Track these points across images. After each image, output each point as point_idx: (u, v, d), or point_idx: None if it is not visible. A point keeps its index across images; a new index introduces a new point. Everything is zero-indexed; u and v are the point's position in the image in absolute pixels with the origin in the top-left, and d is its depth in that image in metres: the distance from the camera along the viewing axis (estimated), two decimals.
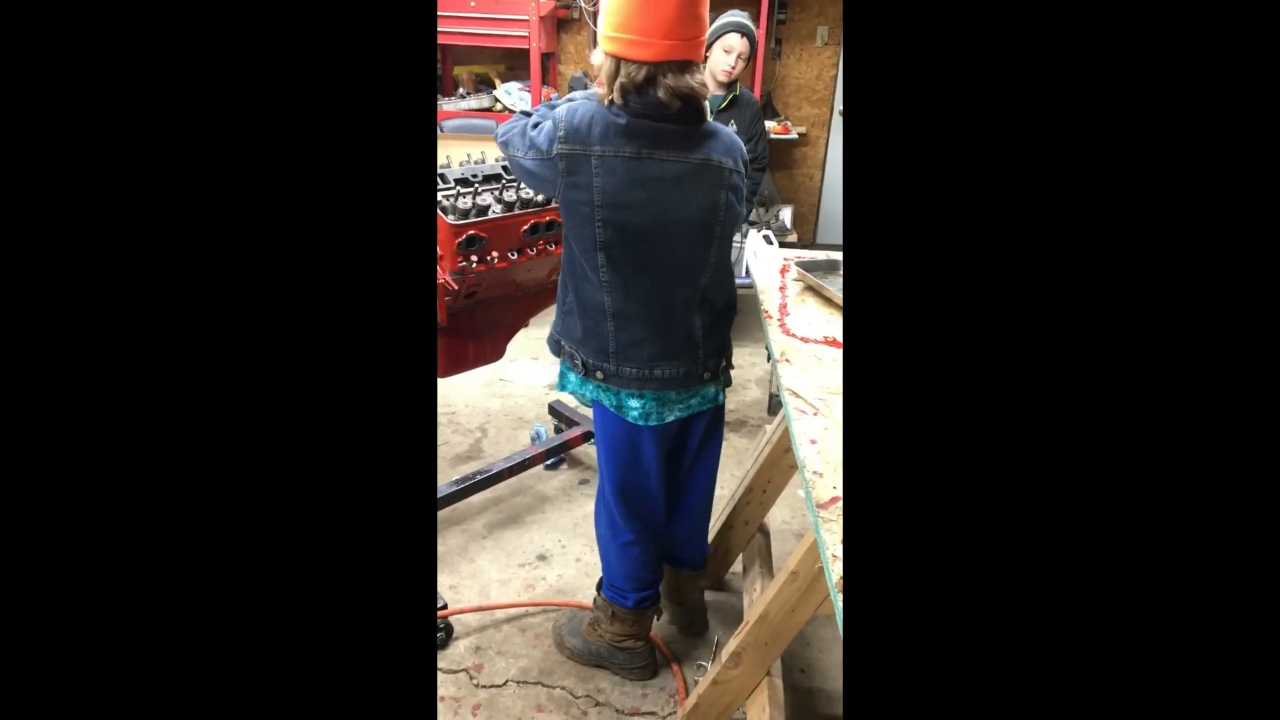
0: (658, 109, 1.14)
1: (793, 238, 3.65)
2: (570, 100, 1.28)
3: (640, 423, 1.34)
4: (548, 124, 1.19)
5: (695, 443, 1.47)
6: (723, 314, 1.33)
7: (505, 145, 1.28)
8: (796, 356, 1.15)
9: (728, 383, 1.42)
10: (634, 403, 1.32)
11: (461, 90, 3.80)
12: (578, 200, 1.18)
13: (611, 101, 1.17)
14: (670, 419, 1.35)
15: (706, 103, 1.20)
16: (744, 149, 1.25)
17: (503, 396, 2.70)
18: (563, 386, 1.41)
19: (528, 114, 1.29)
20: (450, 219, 1.49)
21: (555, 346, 1.38)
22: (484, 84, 3.86)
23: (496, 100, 3.72)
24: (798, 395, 1.07)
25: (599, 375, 1.29)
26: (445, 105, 3.67)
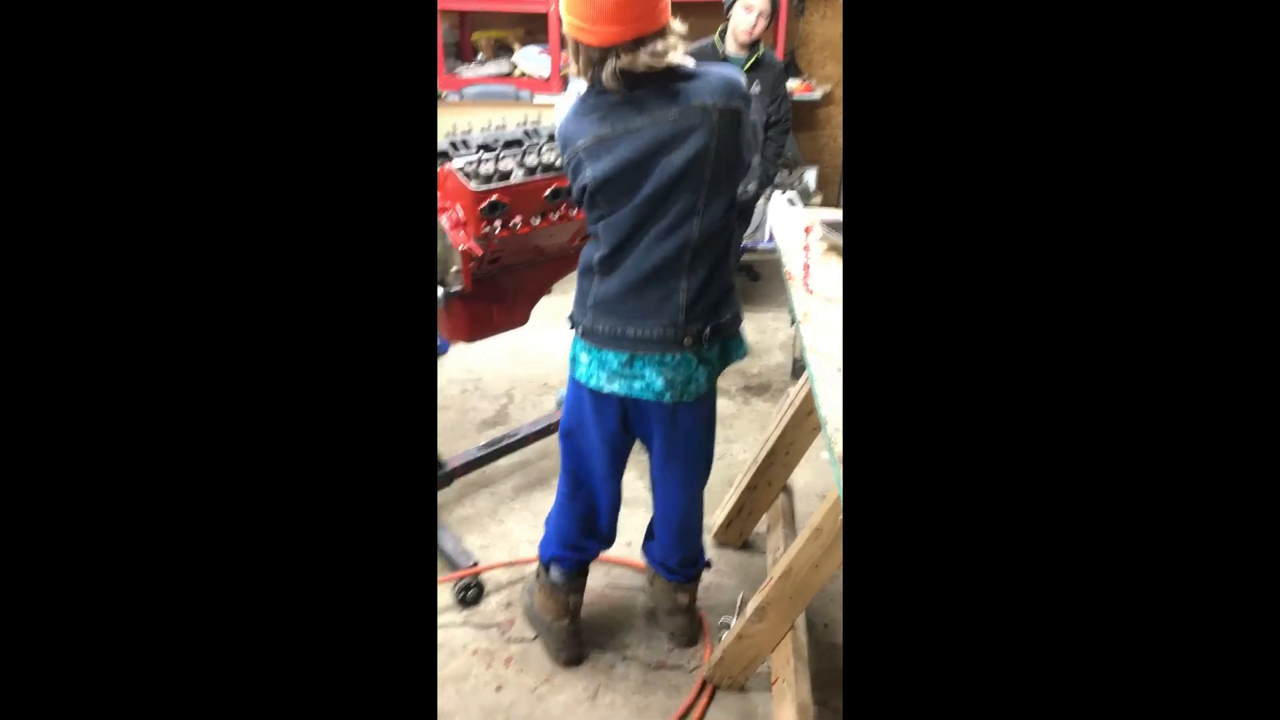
0: (618, 84, 1.15)
1: (818, 199, 3.60)
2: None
3: (584, 381, 1.31)
4: (561, 157, 1.26)
5: (659, 443, 1.39)
6: (717, 272, 1.26)
7: None
8: (819, 316, 1.15)
9: (722, 360, 1.34)
10: (583, 356, 1.31)
11: (480, 56, 3.77)
12: (580, 189, 1.22)
13: (586, 85, 1.20)
14: (611, 390, 1.28)
15: (677, 58, 1.17)
16: (741, 83, 1.20)
17: (528, 363, 2.73)
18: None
19: None
20: (473, 185, 1.49)
21: None
22: (502, 49, 3.82)
23: (515, 65, 3.69)
24: (820, 354, 1.08)
25: (579, 330, 1.31)
26: (464, 72, 3.65)
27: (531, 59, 3.64)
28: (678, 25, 1.18)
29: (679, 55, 1.17)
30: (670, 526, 1.50)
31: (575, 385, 1.36)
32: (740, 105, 1.19)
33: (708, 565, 1.61)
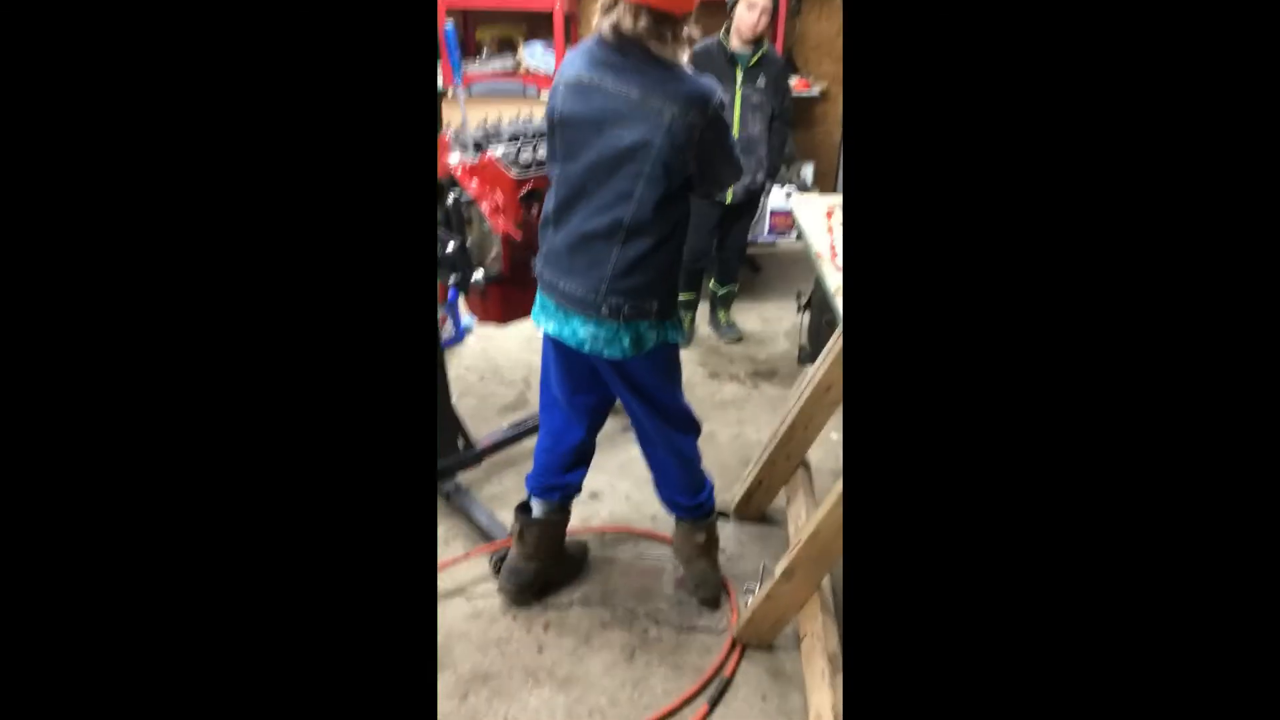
0: (612, 40, 1.23)
1: (815, 193, 3.70)
2: None
3: (533, 318, 1.45)
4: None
5: (620, 397, 1.49)
6: (649, 260, 1.30)
7: None
8: None
9: (657, 331, 1.38)
10: (538, 297, 1.43)
11: (484, 52, 3.83)
12: (548, 111, 1.32)
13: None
14: (547, 330, 1.41)
15: (666, 53, 1.22)
16: (710, 100, 1.23)
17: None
18: None
19: None
20: (513, 172, 1.57)
21: None
22: (506, 46, 3.88)
23: (519, 62, 3.75)
24: None
25: (538, 275, 1.42)
26: (469, 68, 3.70)
27: (537, 56, 3.70)
28: (690, 32, 1.24)
29: (675, 54, 1.23)
30: (658, 471, 1.62)
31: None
32: (697, 120, 1.21)
33: (723, 516, 1.75)
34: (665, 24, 1.20)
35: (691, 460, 1.60)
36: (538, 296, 1.44)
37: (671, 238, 1.33)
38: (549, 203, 1.37)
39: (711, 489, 1.66)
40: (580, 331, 1.36)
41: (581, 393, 1.53)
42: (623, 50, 1.23)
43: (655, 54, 1.22)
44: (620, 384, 1.46)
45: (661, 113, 1.21)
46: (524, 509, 1.64)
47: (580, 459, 1.61)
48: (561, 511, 1.66)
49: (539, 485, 1.62)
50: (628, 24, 1.20)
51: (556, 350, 1.48)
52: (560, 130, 1.30)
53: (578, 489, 1.65)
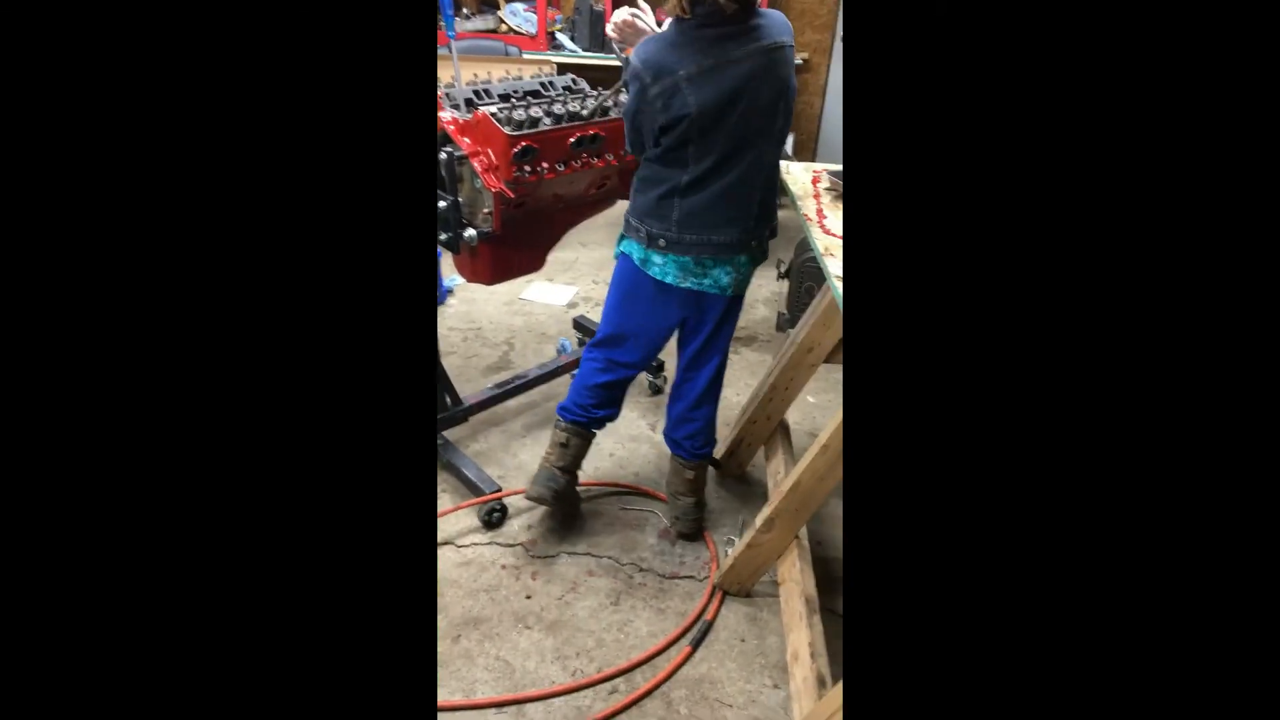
0: (719, 14, 1.30)
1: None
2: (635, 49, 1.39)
3: (659, 278, 1.52)
4: (634, 84, 1.37)
5: (709, 326, 1.61)
6: (771, 189, 1.51)
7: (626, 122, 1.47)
8: (838, 251, 1.29)
9: (763, 257, 1.59)
10: (657, 259, 1.50)
11: (465, 11, 3.77)
12: (676, 117, 1.35)
13: (678, 18, 1.32)
14: (685, 286, 1.52)
15: None
16: (789, 25, 1.41)
17: (524, 314, 2.83)
18: (617, 252, 1.61)
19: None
20: (506, 130, 1.58)
21: (625, 224, 1.55)
22: (487, 5, 3.82)
23: (502, 21, 3.70)
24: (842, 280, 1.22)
25: (661, 243, 1.48)
26: None
27: (518, 15, 3.66)
28: None
29: None
30: (686, 402, 1.72)
31: (636, 284, 1.57)
32: (793, 53, 1.40)
33: (714, 463, 1.89)
34: None
35: (715, 412, 1.76)
36: (666, 262, 1.50)
37: (777, 164, 1.52)
38: (676, 176, 1.41)
39: (715, 444, 1.81)
40: (724, 279, 1.52)
41: (662, 339, 1.67)
42: (740, 15, 1.32)
43: (750, 4, 1.33)
44: (723, 321, 1.61)
45: (783, 48, 1.37)
46: (561, 424, 1.75)
47: (623, 395, 1.77)
48: (592, 435, 1.79)
49: (582, 415, 1.73)
50: None
51: (665, 298, 1.56)
52: (698, 121, 1.34)
53: (613, 419, 1.79)
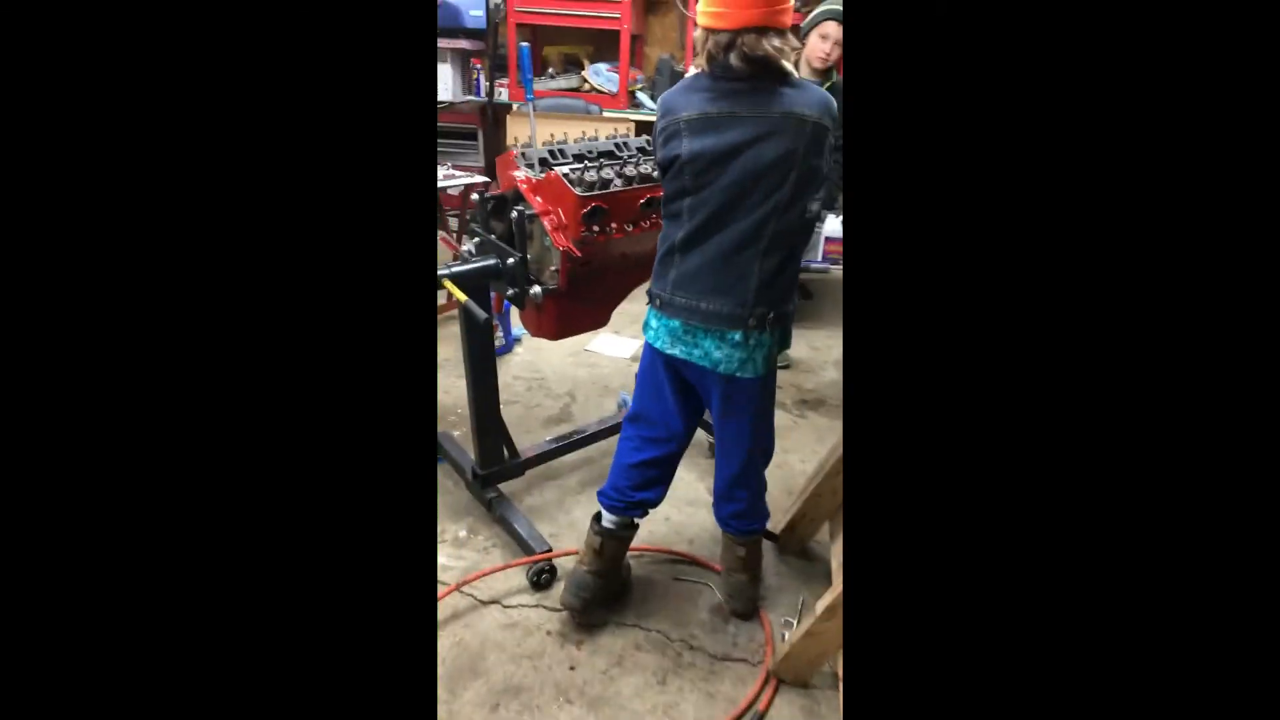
0: (732, 72, 1.29)
1: None
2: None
3: (651, 342, 1.47)
4: (658, 121, 1.38)
5: (717, 407, 1.52)
6: (788, 266, 1.40)
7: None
8: None
9: (777, 345, 1.45)
10: (654, 322, 1.46)
11: (551, 70, 3.92)
12: (669, 157, 1.36)
13: (702, 70, 1.34)
14: (672, 353, 1.44)
15: (790, 64, 1.30)
16: (834, 106, 1.33)
17: (589, 365, 2.83)
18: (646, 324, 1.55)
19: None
20: (578, 190, 1.60)
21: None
22: (572, 64, 3.96)
23: (585, 80, 3.82)
24: None
25: (657, 303, 1.44)
26: (537, 85, 3.79)
27: (600, 75, 3.77)
28: (795, 41, 1.32)
29: (790, 65, 1.31)
30: (725, 477, 1.62)
31: (646, 352, 1.53)
32: (829, 124, 1.32)
33: (770, 536, 1.77)
34: (786, 39, 1.29)
35: (762, 489, 1.65)
36: (659, 322, 1.45)
37: (802, 244, 1.42)
38: (675, 233, 1.39)
39: (767, 517, 1.70)
40: (714, 353, 1.41)
41: (686, 412, 1.57)
42: (754, 75, 1.29)
43: (785, 69, 1.30)
44: (731, 404, 1.50)
45: (804, 121, 1.30)
46: (598, 520, 1.66)
47: (668, 475, 1.64)
48: (633, 527, 1.68)
49: (619, 500, 1.62)
50: (760, 49, 1.26)
51: (668, 370, 1.51)
52: (689, 166, 1.34)
53: (655, 504, 1.66)
